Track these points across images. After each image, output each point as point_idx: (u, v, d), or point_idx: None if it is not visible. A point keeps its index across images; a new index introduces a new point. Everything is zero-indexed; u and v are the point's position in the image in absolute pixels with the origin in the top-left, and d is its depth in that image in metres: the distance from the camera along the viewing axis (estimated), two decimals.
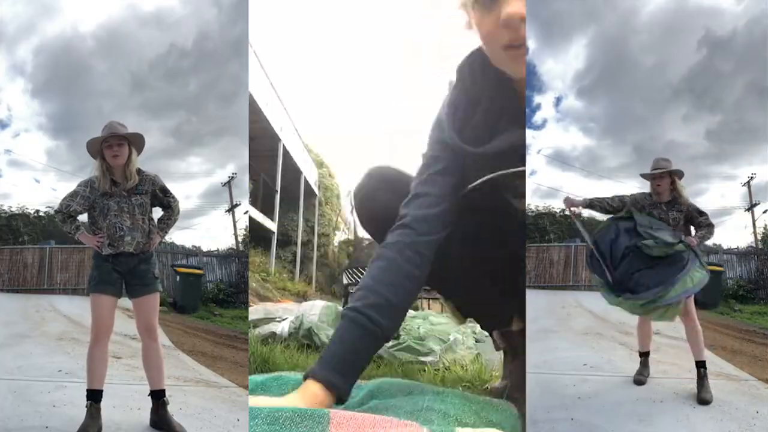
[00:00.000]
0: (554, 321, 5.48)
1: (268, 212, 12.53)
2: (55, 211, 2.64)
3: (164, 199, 2.77)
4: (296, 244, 14.25)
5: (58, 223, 2.64)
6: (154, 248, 2.72)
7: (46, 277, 9.70)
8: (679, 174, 3.25)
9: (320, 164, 15.78)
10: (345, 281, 10.92)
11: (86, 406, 2.52)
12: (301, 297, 11.64)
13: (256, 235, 12.48)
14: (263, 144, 11.60)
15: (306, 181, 14.59)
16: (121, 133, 2.60)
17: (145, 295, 2.66)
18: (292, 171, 13.73)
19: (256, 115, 10.60)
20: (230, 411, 3.14)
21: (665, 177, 3.20)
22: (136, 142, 2.66)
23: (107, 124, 2.63)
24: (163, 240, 2.82)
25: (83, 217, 2.70)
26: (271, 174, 12.69)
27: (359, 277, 10.17)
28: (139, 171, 2.67)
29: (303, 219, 14.49)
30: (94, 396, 2.55)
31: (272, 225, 12.70)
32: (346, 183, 15.94)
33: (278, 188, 12.65)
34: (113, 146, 2.58)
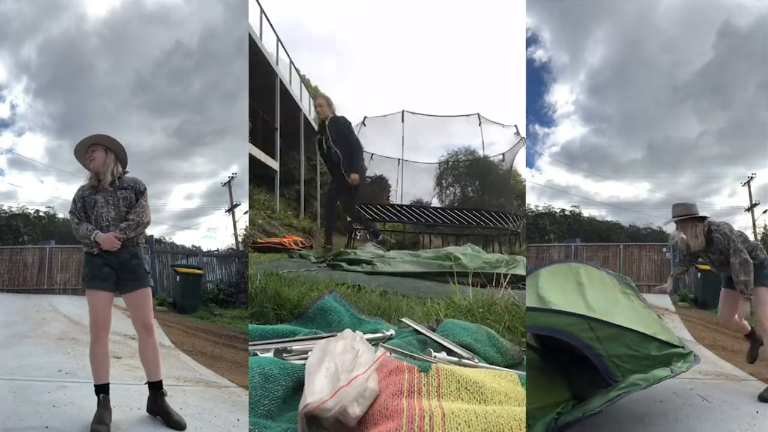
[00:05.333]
0: None
1: (269, 151, 12.41)
2: (69, 213, 2.72)
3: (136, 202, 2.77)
4: (299, 182, 14.36)
5: (76, 229, 2.66)
6: (142, 243, 2.76)
7: (46, 277, 9.68)
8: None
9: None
10: (349, 218, 10.94)
11: (99, 400, 2.58)
12: (307, 233, 11.69)
13: (258, 174, 12.42)
14: (260, 80, 11.39)
15: (305, 118, 14.61)
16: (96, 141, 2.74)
17: (137, 290, 2.69)
18: (291, 107, 13.66)
19: (251, 48, 10.46)
20: (230, 411, 3.14)
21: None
22: (113, 148, 2.76)
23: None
24: (140, 237, 2.75)
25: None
26: (269, 112, 12.57)
27: (363, 214, 10.15)
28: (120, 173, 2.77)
29: (305, 157, 14.58)
30: (103, 389, 2.61)
31: (274, 163, 12.63)
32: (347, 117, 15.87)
33: (278, 125, 12.56)
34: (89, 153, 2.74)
